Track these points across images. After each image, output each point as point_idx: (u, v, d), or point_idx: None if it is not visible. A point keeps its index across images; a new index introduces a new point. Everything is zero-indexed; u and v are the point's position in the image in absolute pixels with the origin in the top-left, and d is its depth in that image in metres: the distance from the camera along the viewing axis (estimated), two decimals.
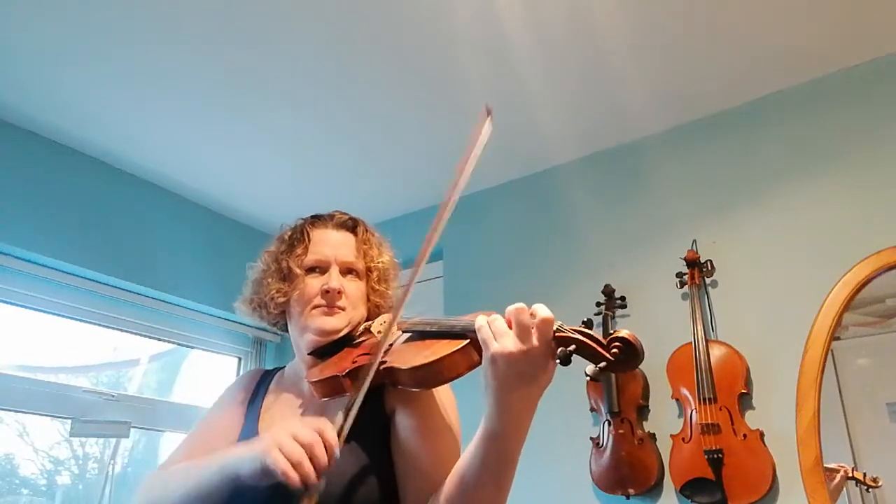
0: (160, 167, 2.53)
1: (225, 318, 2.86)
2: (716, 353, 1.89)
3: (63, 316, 2.36)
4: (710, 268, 2.02)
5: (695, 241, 2.07)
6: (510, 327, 0.77)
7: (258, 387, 1.17)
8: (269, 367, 1.47)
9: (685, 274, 2.03)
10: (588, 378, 0.75)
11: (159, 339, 2.70)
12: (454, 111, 2.19)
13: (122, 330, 2.54)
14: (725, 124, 2.16)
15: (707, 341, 1.91)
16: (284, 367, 1.23)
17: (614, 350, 0.73)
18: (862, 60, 1.94)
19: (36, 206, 2.21)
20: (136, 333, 2.59)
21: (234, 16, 1.77)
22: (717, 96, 2.13)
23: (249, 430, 1.08)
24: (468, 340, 0.84)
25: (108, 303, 2.45)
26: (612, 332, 0.75)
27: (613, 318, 2.14)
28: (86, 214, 2.36)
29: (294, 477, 0.78)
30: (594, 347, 0.74)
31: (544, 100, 2.11)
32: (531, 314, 0.76)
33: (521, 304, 0.77)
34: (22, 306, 2.25)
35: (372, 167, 2.56)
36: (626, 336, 0.73)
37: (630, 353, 0.73)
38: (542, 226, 2.47)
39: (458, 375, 0.85)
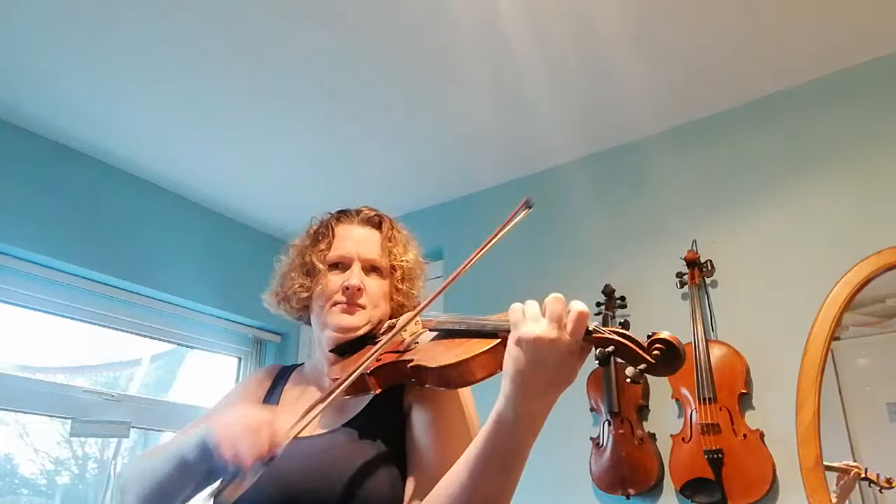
0: (160, 167, 2.53)
1: (225, 318, 2.86)
2: (716, 353, 1.89)
3: (63, 316, 2.36)
4: (710, 268, 2.02)
5: (695, 241, 2.07)
6: (544, 315, 0.75)
7: (276, 382, 1.16)
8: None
9: (685, 274, 2.03)
10: (628, 381, 0.73)
11: (159, 339, 2.70)
12: (454, 111, 2.19)
13: (122, 330, 2.54)
14: (725, 124, 2.16)
15: (707, 341, 1.91)
16: (303, 363, 1.22)
17: (655, 352, 0.71)
18: (862, 60, 1.94)
19: (36, 206, 2.21)
20: (136, 333, 2.59)
21: (236, 17, 1.77)
22: (717, 96, 2.13)
23: None
24: (499, 340, 0.82)
25: (109, 303, 2.45)
26: (652, 333, 0.72)
27: (613, 318, 2.14)
28: (86, 214, 2.36)
29: (228, 452, 0.78)
30: (634, 349, 0.72)
31: (544, 100, 2.11)
32: (566, 306, 0.75)
33: (559, 294, 0.76)
34: (22, 306, 2.25)
35: (373, 167, 2.56)
36: (668, 338, 0.71)
37: (672, 355, 0.71)
38: (542, 226, 2.47)
39: (489, 376, 0.83)
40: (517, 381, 0.75)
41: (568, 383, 0.76)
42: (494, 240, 0.93)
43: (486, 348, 0.82)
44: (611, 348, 0.73)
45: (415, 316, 0.98)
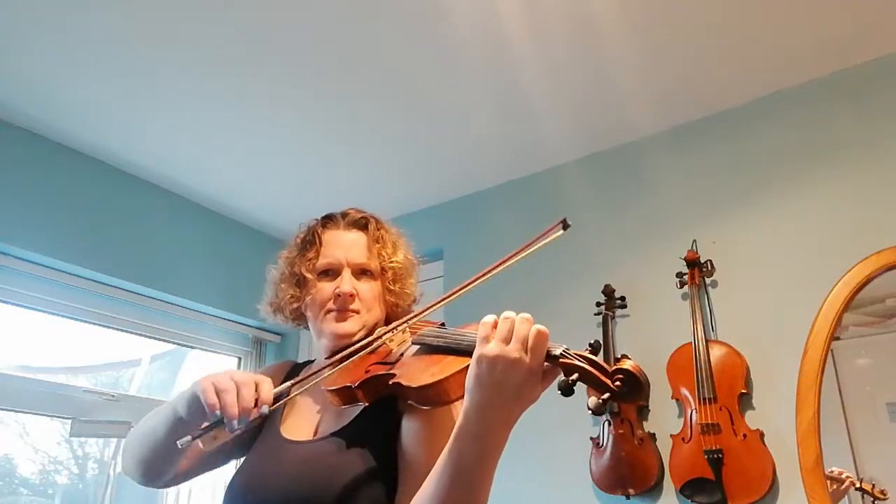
0: (160, 167, 2.53)
1: (225, 318, 2.87)
2: (716, 353, 1.89)
3: (63, 316, 2.36)
4: (710, 268, 2.02)
5: (695, 241, 2.07)
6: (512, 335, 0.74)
7: (287, 379, 1.15)
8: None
9: (685, 274, 2.03)
10: (590, 412, 0.72)
11: (159, 339, 2.70)
12: (454, 111, 2.19)
13: (122, 330, 2.54)
14: (725, 124, 2.16)
15: (707, 341, 1.91)
16: (314, 360, 1.22)
17: (617, 382, 0.71)
18: (862, 60, 1.94)
19: (36, 206, 2.21)
20: (136, 333, 2.59)
21: (234, 16, 1.76)
22: (717, 96, 2.13)
23: (272, 425, 1.08)
24: None
25: (108, 303, 2.45)
26: (620, 357, 0.72)
27: (613, 318, 2.14)
28: (86, 214, 2.36)
29: (213, 400, 0.81)
30: (598, 377, 0.72)
31: (544, 100, 2.11)
32: (532, 328, 0.74)
33: (526, 315, 0.75)
34: (22, 306, 2.25)
35: (373, 167, 2.56)
36: (630, 368, 0.70)
37: (633, 385, 0.71)
38: (542, 226, 2.46)
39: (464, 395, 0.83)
40: (476, 398, 0.75)
41: (529, 403, 0.75)
42: (518, 256, 0.92)
43: (459, 368, 0.82)
44: (575, 376, 0.72)
45: (404, 323, 0.99)
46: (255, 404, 0.84)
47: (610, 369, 0.72)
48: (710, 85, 2.07)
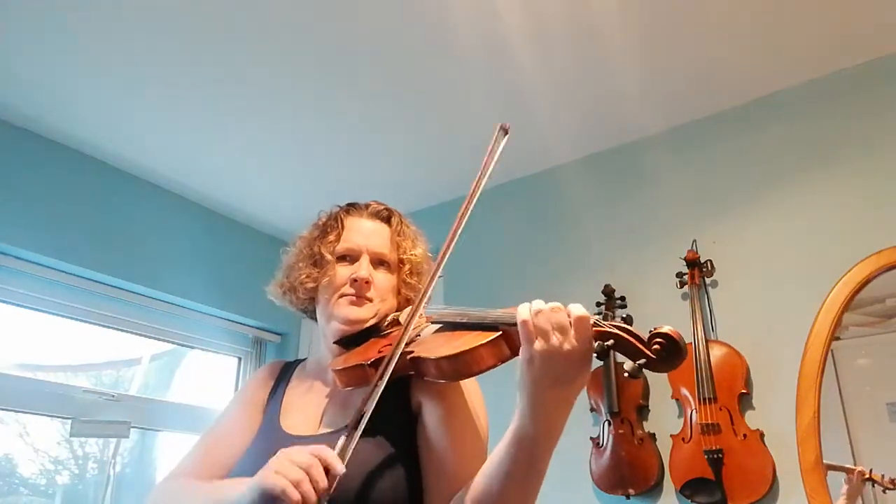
0: (160, 167, 2.53)
1: (225, 318, 2.86)
2: (716, 353, 1.89)
3: (63, 316, 2.36)
4: (710, 268, 2.02)
5: (695, 241, 2.07)
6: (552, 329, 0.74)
7: (279, 378, 1.16)
8: None
9: (685, 274, 2.03)
10: (626, 375, 0.72)
11: (159, 339, 2.70)
12: (454, 112, 2.19)
13: (122, 330, 2.54)
14: (725, 124, 2.16)
15: (707, 341, 1.91)
16: (306, 359, 1.22)
17: (655, 346, 0.69)
18: (862, 60, 1.94)
19: (36, 206, 2.21)
20: (136, 333, 2.59)
21: (234, 16, 1.77)
22: (716, 96, 2.13)
23: (271, 422, 1.07)
24: (500, 333, 0.81)
25: (108, 303, 2.45)
26: (655, 327, 0.71)
27: (613, 318, 2.14)
28: (86, 214, 2.36)
29: (294, 495, 0.76)
30: (634, 343, 0.71)
31: (544, 100, 2.11)
32: (567, 314, 0.74)
33: (557, 304, 0.75)
34: (22, 306, 2.25)
35: (373, 167, 2.56)
36: (669, 332, 0.69)
37: (672, 350, 0.69)
38: (542, 226, 2.47)
39: (488, 368, 0.82)
40: (534, 398, 0.75)
41: (583, 385, 0.76)
42: (484, 177, 0.95)
43: (485, 341, 0.81)
44: (610, 342, 0.72)
45: (419, 305, 0.96)
46: (329, 479, 0.78)
47: (646, 337, 0.71)
48: (711, 85, 2.07)
